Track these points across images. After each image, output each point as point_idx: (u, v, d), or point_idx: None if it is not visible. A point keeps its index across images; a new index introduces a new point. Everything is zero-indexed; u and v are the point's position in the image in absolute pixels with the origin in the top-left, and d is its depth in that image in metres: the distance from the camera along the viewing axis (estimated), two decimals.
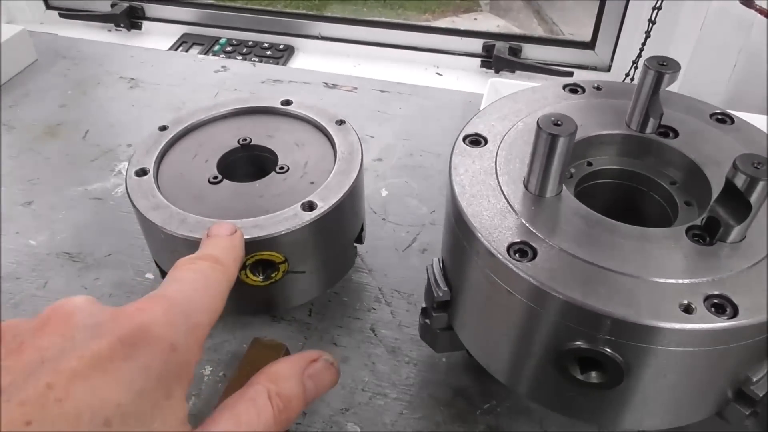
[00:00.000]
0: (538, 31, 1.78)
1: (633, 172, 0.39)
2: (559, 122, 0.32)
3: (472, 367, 0.44)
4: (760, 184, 0.29)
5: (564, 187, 0.35)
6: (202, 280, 0.31)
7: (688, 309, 0.28)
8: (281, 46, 1.18)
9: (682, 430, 0.41)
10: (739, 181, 0.30)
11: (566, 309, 0.30)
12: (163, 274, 0.46)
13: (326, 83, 0.78)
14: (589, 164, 0.39)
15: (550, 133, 0.31)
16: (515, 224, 0.33)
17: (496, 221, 0.33)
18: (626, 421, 0.34)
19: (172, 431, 0.26)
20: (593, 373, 0.31)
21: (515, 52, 1.06)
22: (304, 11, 1.25)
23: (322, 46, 1.19)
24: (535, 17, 1.89)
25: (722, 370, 0.32)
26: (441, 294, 0.38)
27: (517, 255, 0.31)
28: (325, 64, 1.14)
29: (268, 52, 1.16)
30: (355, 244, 0.48)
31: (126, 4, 1.25)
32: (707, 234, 0.32)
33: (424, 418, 0.42)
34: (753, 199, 0.30)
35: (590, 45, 1.04)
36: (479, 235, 0.32)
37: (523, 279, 0.30)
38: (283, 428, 0.30)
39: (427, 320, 0.41)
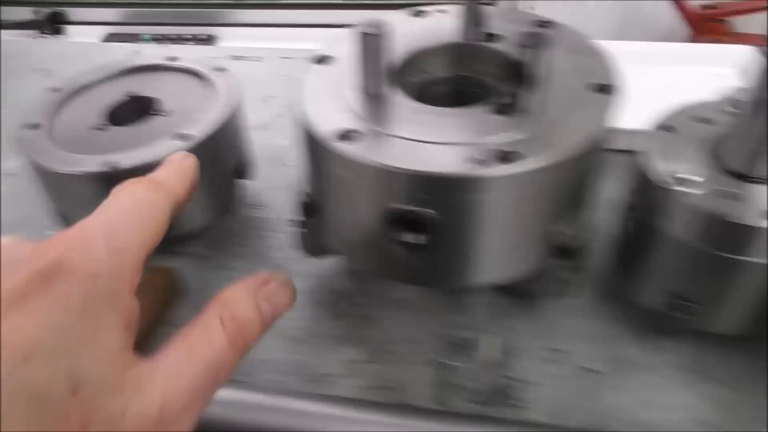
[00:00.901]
0: None
1: (463, 76, 0.44)
2: (373, 25, 0.37)
3: (353, 272, 0.49)
4: (537, 55, 0.35)
5: (397, 87, 0.40)
6: (131, 203, 0.29)
7: (481, 162, 0.33)
8: (204, 36, 1.22)
9: None
10: (523, 54, 0.35)
11: (382, 176, 0.34)
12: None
13: (233, 56, 0.82)
14: (427, 73, 0.44)
15: (364, 33, 0.36)
16: (347, 117, 0.37)
17: (332, 116, 0.38)
18: (460, 278, 0.39)
19: (106, 362, 0.25)
20: (414, 234, 0.36)
21: None
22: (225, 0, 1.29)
23: (243, 32, 1.23)
24: None
25: (530, 220, 0.37)
26: (305, 198, 0.43)
27: (345, 140, 0.36)
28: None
29: (191, 43, 1.20)
30: (241, 180, 0.53)
31: (48, 10, 1.28)
32: (509, 108, 0.37)
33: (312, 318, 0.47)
34: (535, 70, 0.35)
35: None
36: (315, 128, 0.37)
37: (347, 158, 0.35)
38: (242, 353, 0.29)
39: (302, 229, 0.45)
